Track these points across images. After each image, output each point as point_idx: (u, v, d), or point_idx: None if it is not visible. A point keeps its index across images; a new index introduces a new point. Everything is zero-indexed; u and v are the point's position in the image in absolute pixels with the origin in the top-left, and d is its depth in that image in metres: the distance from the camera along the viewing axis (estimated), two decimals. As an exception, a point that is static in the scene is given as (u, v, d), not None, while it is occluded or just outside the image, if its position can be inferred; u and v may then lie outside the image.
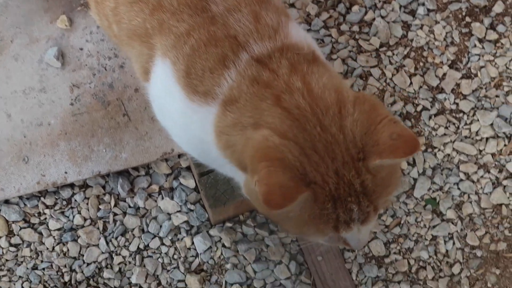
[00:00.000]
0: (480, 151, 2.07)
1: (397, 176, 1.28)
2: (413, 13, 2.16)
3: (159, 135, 1.97)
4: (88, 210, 2.00)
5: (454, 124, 2.08)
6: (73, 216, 1.99)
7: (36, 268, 1.98)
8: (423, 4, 2.17)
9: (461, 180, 2.05)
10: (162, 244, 1.99)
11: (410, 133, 1.17)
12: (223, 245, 1.99)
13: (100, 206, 2.00)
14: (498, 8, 2.17)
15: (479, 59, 2.13)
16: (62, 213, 2.00)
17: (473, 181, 2.05)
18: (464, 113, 2.09)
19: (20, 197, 1.99)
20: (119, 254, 1.99)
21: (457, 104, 2.10)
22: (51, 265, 1.98)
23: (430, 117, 2.08)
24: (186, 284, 1.98)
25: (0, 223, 1.98)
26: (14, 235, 1.99)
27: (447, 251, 2.02)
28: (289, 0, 2.14)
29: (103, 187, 2.01)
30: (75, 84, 2.01)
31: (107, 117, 1.99)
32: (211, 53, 1.31)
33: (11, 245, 1.99)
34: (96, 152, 1.97)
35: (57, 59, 1.99)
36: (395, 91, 2.10)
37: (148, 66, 1.44)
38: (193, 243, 1.99)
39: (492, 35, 2.15)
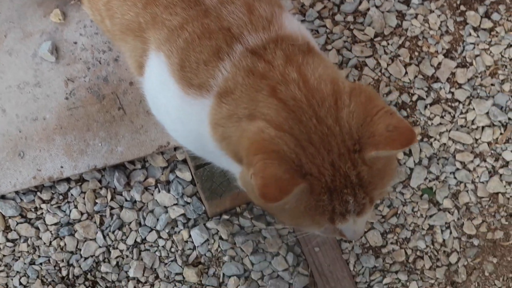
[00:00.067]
0: (476, 140, 2.07)
1: (393, 167, 1.28)
2: (407, 2, 2.16)
3: (154, 128, 1.97)
4: (85, 204, 1.99)
5: (449, 113, 2.08)
6: (70, 211, 1.99)
7: (34, 263, 1.98)
8: (418, -7, 2.16)
9: (458, 169, 2.05)
10: (159, 237, 1.99)
11: (406, 125, 1.17)
12: (220, 238, 1.99)
13: (97, 200, 2.00)
14: (492, -4, 2.17)
15: (474, 47, 2.13)
16: (59, 207, 2.00)
17: (469, 170, 2.06)
18: (459, 102, 2.09)
19: (17, 192, 1.99)
20: (116, 248, 1.99)
21: (453, 93, 2.09)
22: (49, 260, 1.98)
23: (425, 107, 2.08)
24: (183, 277, 1.98)
25: (-4, 218, 1.99)
26: (11, 230, 1.99)
27: (444, 240, 2.03)
28: (283, -9, 2.14)
29: (99, 181, 2.01)
30: (69, 78, 2.00)
31: (102, 111, 1.99)
32: (205, 45, 1.30)
33: (8, 240, 1.99)
34: (91, 146, 1.97)
35: (51, 53, 1.99)
36: (390, 81, 2.09)
37: (142, 60, 1.43)
38: (190, 236, 1.99)
39: (487, 24, 2.14)
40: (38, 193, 1.99)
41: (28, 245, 1.99)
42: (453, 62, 2.11)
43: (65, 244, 1.99)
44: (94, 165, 1.97)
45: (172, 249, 1.99)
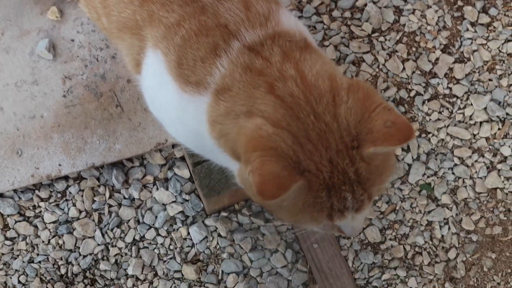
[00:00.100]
0: (474, 135, 2.07)
1: (391, 164, 1.28)
2: (404, -2, 2.16)
3: (152, 125, 1.96)
4: (83, 202, 1.99)
5: (447, 108, 2.08)
6: (68, 209, 1.99)
7: (32, 262, 1.98)
8: (415, -11, 2.16)
9: (456, 164, 2.05)
10: (158, 235, 1.99)
11: (404, 121, 1.17)
12: (219, 235, 1.99)
13: (95, 198, 2.00)
14: (490, -9, 2.17)
15: (471, 43, 2.12)
16: (57, 205, 2.00)
17: (467, 166, 2.06)
18: (457, 97, 2.09)
19: (15, 191, 1.99)
20: (115, 246, 1.99)
21: (450, 88, 2.09)
22: (47, 258, 1.98)
23: (423, 102, 2.08)
24: (182, 275, 1.98)
25: (-5, 217, 1.99)
26: (10, 228, 1.99)
27: (442, 236, 2.03)
28: (281, -13, 2.13)
29: (98, 179, 2.01)
30: (67, 76, 2.00)
31: (100, 109, 1.98)
32: (202, 42, 1.30)
33: (6, 238, 1.99)
34: (89, 144, 1.97)
35: (48, 51, 1.98)
36: (388, 76, 2.09)
37: (140, 58, 1.43)
38: (188, 233, 1.99)
39: (484, 19, 2.14)
40: (37, 191, 1.99)
41: (27, 244, 1.98)
42: (451, 57, 2.11)
43: (63, 242, 1.98)
44: (92, 163, 1.96)
45: (171, 247, 1.99)
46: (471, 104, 2.08)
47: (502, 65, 2.11)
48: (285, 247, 1.99)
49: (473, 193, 2.04)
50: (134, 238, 1.99)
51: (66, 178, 2.00)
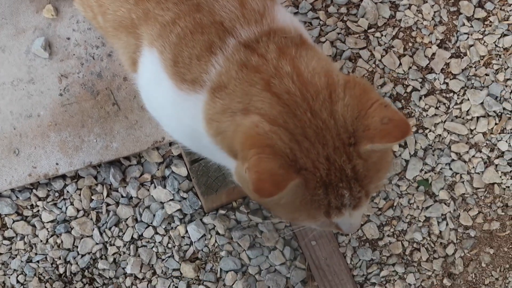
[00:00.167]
0: (471, 130, 2.07)
1: (388, 160, 1.27)
2: (401, -7, 2.16)
3: (149, 123, 1.96)
4: (81, 201, 1.99)
5: (444, 104, 2.08)
6: (66, 208, 1.99)
7: (31, 261, 1.98)
8: (411, -16, 2.16)
9: (453, 160, 2.05)
10: (156, 233, 1.99)
11: (401, 117, 1.17)
12: (217, 233, 1.99)
13: (93, 197, 2.00)
14: (486, -14, 2.17)
15: (467, 37, 2.12)
16: (55, 204, 1.99)
17: (464, 161, 2.06)
18: (454, 92, 2.09)
19: (12, 190, 1.99)
20: (113, 245, 1.99)
21: (447, 83, 2.09)
22: (46, 258, 1.98)
23: (420, 98, 2.08)
24: (181, 273, 1.98)
25: (-8, 216, 1.98)
26: (7, 228, 1.99)
27: (440, 232, 2.03)
28: (276, -16, 2.13)
29: (95, 178, 2.01)
30: (63, 74, 1.99)
31: (97, 107, 1.98)
32: (197, 40, 1.30)
33: (4, 238, 1.98)
34: (87, 143, 1.97)
35: (44, 50, 1.98)
36: (384, 72, 2.09)
37: (136, 57, 1.43)
38: (187, 231, 1.99)
39: (480, 13, 2.14)
40: (34, 191, 1.99)
41: (25, 243, 1.98)
42: (447, 52, 2.11)
43: (61, 242, 1.98)
44: (90, 161, 1.96)
45: (169, 245, 1.99)
46: (468, 99, 2.08)
47: (498, 59, 2.11)
48: (283, 245, 1.99)
49: (471, 188, 2.04)
50: (132, 236, 1.99)
51: (63, 177, 2.00)
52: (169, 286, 1.97)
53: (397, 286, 2.00)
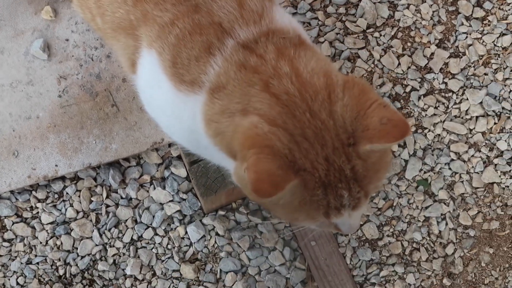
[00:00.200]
0: (470, 130, 2.07)
1: (387, 161, 1.27)
2: (399, -7, 2.16)
3: (148, 125, 1.96)
4: (80, 202, 1.99)
5: (443, 104, 2.08)
6: (66, 209, 1.99)
7: (30, 263, 1.98)
8: (409, -16, 2.16)
9: (452, 160, 2.05)
10: (156, 234, 1.99)
11: (400, 117, 1.17)
12: (217, 234, 1.99)
13: (92, 198, 2.00)
14: (484, -15, 2.17)
15: (466, 37, 2.12)
16: (54, 206, 1.99)
17: (464, 161, 2.06)
18: (453, 92, 2.09)
19: (12, 192, 1.99)
20: (113, 246, 1.99)
21: (446, 83, 2.09)
22: (45, 259, 1.98)
23: (419, 98, 2.08)
24: (181, 274, 1.98)
25: (-8, 218, 1.98)
26: (7, 230, 1.99)
27: (440, 232, 2.03)
28: (275, -16, 2.13)
29: (95, 179, 2.01)
30: (62, 75, 1.99)
31: (96, 108, 1.98)
32: (196, 41, 1.30)
33: (4, 240, 1.98)
34: (86, 144, 1.97)
35: (43, 51, 1.98)
36: (383, 72, 2.09)
37: (135, 58, 1.43)
38: (186, 232, 1.99)
39: (479, 13, 2.14)
40: (34, 192, 1.99)
41: (25, 245, 1.98)
42: (446, 52, 2.11)
43: (61, 243, 1.98)
44: (89, 163, 1.96)
45: (169, 246, 1.99)
46: (467, 99, 2.08)
47: (497, 59, 2.11)
48: (283, 245, 1.99)
49: (470, 188, 2.04)
50: (132, 238, 1.99)
51: (63, 178, 2.00)
52: (169, 287, 1.97)
53: (397, 286, 2.00)
